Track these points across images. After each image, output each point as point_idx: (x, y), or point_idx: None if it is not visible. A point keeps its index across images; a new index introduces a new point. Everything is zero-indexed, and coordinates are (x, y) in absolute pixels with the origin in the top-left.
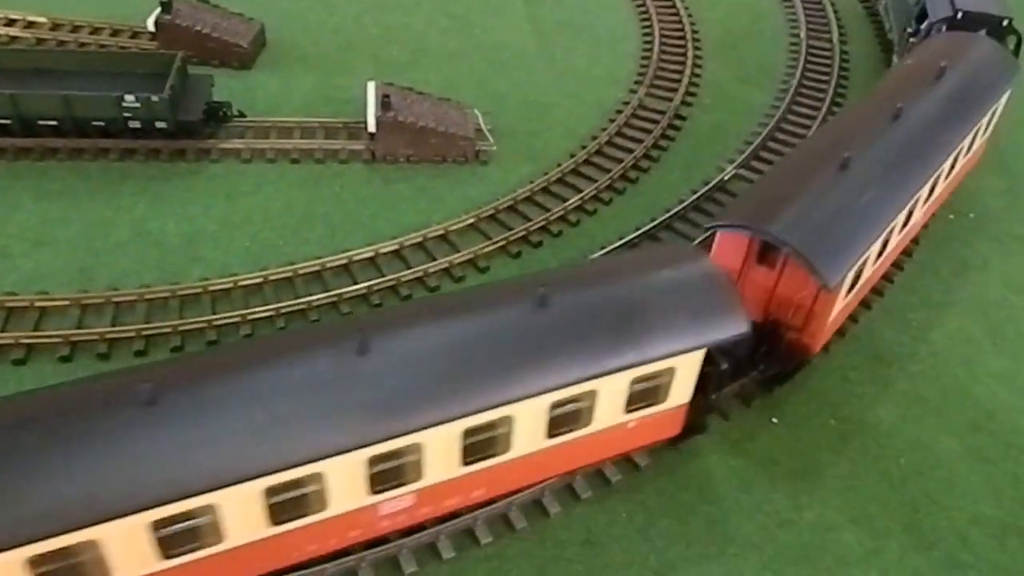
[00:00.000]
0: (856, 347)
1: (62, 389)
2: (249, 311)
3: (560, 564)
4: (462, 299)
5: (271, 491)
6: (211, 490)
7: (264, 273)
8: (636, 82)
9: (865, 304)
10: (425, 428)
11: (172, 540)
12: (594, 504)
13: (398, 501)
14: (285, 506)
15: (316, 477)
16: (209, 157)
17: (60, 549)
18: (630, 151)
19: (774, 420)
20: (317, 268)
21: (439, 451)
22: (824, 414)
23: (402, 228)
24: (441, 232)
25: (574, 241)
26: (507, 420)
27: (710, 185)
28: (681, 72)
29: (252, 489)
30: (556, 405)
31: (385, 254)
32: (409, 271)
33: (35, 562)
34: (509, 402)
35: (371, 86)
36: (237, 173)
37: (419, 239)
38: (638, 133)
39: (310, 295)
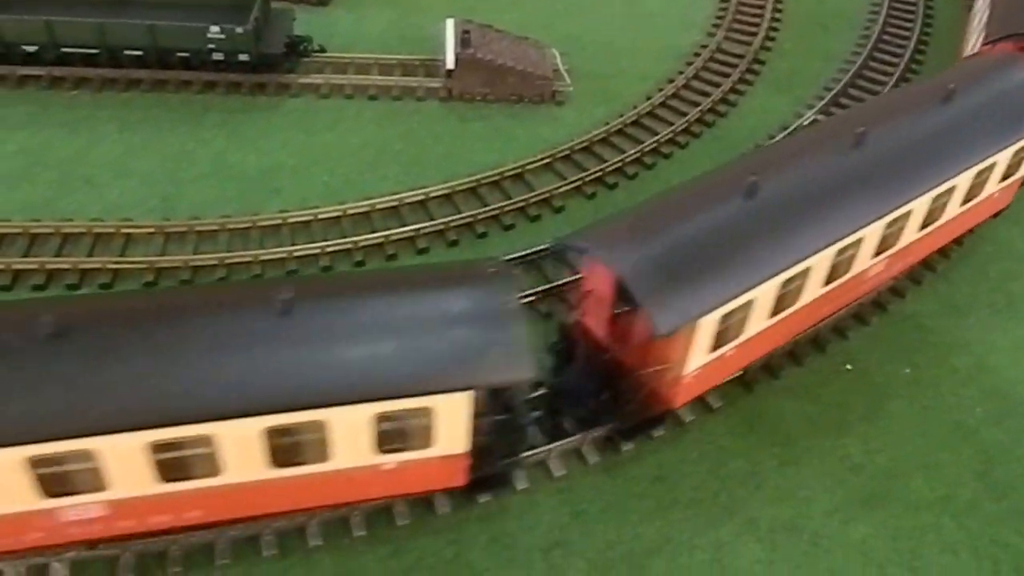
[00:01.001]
0: (932, 296)
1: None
2: (328, 243)
3: (631, 499)
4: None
5: (785, 283)
6: (758, 285)
7: (343, 207)
8: (714, 25)
9: (943, 252)
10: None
11: (725, 333)
12: (666, 443)
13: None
14: (787, 298)
15: (804, 273)
16: (288, 92)
17: None
18: (707, 95)
19: (848, 367)
20: (395, 204)
21: (869, 243)
22: (898, 362)
23: (477, 166)
24: (517, 171)
25: (650, 184)
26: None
27: (788, 131)
28: (760, 16)
29: (777, 281)
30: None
31: (461, 191)
32: (485, 209)
33: None
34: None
35: (450, 23)
36: (315, 108)
37: (495, 177)
38: (715, 77)
39: (388, 230)
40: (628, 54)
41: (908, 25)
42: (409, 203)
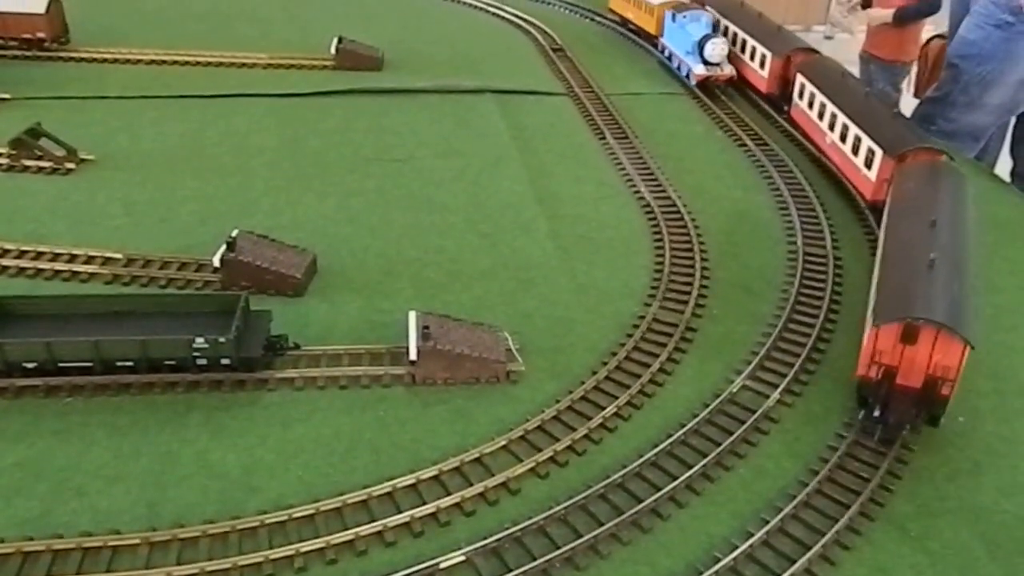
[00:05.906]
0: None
1: None
2: (302, 543)
3: None
4: None
5: None
6: None
7: (316, 504)
8: (650, 295)
9: (865, 514)
10: None
11: None
12: None
13: None
14: None
15: None
16: (266, 387)
17: None
18: (647, 366)
19: None
20: (364, 497)
21: None
22: None
23: (441, 451)
24: (476, 456)
25: (597, 460)
26: None
27: (720, 398)
28: (691, 284)
29: None
30: None
31: (425, 480)
32: (448, 497)
33: None
34: None
35: (412, 316)
36: (291, 401)
37: (456, 464)
38: (653, 347)
39: (358, 526)
40: (575, 326)
41: (821, 284)
42: (377, 496)
